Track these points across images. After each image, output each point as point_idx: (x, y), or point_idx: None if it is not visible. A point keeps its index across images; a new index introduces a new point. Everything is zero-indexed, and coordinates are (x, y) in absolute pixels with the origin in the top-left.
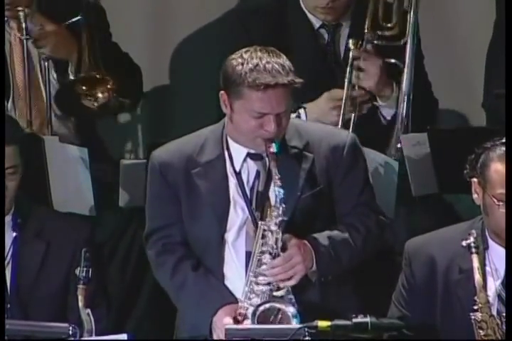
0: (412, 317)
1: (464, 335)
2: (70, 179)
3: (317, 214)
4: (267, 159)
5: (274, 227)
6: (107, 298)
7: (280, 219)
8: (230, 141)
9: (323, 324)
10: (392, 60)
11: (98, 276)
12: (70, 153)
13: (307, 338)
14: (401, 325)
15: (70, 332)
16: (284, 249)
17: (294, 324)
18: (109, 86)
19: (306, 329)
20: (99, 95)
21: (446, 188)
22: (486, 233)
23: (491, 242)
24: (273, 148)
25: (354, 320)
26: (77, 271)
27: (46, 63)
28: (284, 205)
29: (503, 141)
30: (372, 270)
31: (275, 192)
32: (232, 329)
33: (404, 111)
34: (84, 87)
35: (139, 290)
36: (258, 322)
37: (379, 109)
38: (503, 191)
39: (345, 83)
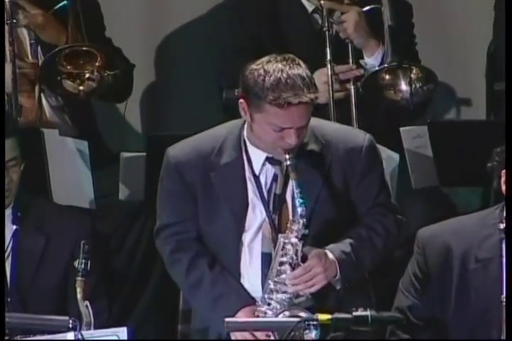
0: (422, 306)
1: (476, 324)
2: (70, 172)
3: (336, 216)
4: (285, 164)
5: (294, 240)
6: (109, 292)
7: (301, 232)
8: (249, 144)
9: (323, 317)
10: (368, 7)
11: (99, 269)
12: (70, 146)
13: (307, 331)
14: (401, 319)
15: (70, 325)
16: (304, 259)
17: (313, 336)
18: (97, 63)
19: (306, 322)
20: (87, 76)
21: (446, 181)
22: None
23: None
24: (293, 159)
25: (354, 313)
26: (75, 263)
27: (36, 46)
28: (305, 219)
29: None
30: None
31: (297, 205)
32: (232, 322)
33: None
34: (69, 66)
35: (144, 285)
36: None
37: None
38: None
39: (327, 56)
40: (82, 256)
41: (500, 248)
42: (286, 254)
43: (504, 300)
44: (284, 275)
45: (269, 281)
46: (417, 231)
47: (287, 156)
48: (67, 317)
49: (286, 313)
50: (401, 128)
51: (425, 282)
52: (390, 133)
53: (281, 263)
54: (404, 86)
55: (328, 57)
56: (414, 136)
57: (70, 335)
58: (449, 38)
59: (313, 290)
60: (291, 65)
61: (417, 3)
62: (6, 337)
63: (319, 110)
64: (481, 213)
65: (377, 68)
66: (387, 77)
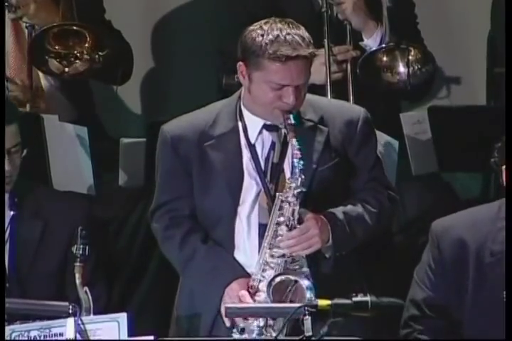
0: (437, 299)
1: (493, 317)
2: (70, 158)
3: (332, 187)
4: (283, 130)
5: (291, 199)
6: (108, 278)
7: (299, 190)
8: (246, 113)
9: (323, 303)
10: None
11: (98, 255)
12: (70, 131)
13: (307, 317)
14: (401, 304)
15: (70, 311)
16: (300, 221)
17: (309, 296)
18: (87, 44)
19: (306, 308)
20: (76, 56)
21: (446, 167)
22: None
23: None
24: (291, 120)
25: (354, 299)
26: (74, 249)
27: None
28: (303, 176)
29: None
30: (371, 248)
31: (294, 163)
32: (231, 307)
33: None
34: (57, 46)
35: (143, 271)
36: (273, 294)
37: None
38: None
39: (325, 37)
40: (80, 241)
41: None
42: (282, 214)
43: (505, 299)
44: (279, 238)
45: (265, 244)
46: (432, 224)
47: (286, 116)
48: (67, 303)
49: (282, 277)
50: (401, 114)
51: (440, 275)
52: (390, 119)
53: (278, 224)
54: (401, 68)
55: (326, 38)
56: (414, 122)
57: (70, 321)
58: (449, 23)
59: (307, 252)
60: (291, 26)
61: None
62: (6, 323)
63: (316, 92)
64: (493, 205)
65: (374, 48)
66: (384, 58)
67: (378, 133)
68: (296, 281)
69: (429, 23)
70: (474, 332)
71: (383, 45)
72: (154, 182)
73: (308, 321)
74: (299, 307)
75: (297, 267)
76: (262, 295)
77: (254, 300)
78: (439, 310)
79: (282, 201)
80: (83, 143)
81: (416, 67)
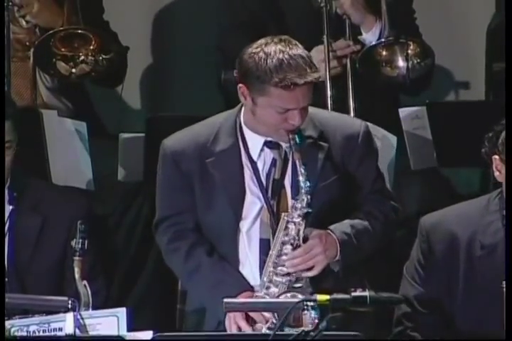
0: (428, 294)
1: (484, 310)
2: (69, 153)
3: (334, 203)
4: (284, 147)
5: (297, 219)
6: (107, 272)
7: (304, 211)
8: (246, 130)
9: (322, 298)
10: None
11: (97, 250)
12: (69, 127)
13: (306, 312)
14: (400, 299)
15: (69, 306)
16: (305, 240)
17: (313, 316)
18: (92, 47)
19: (305, 303)
20: (81, 59)
21: (445, 162)
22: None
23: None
24: (297, 140)
25: (353, 294)
26: (72, 243)
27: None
28: (309, 197)
29: None
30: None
31: (300, 183)
32: (230, 302)
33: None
34: (63, 49)
35: (142, 265)
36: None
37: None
38: None
39: (325, 32)
40: (78, 235)
41: (506, 234)
42: (287, 234)
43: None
44: (284, 257)
45: (269, 263)
46: (420, 219)
47: (291, 136)
48: (66, 298)
49: (283, 296)
50: (400, 110)
51: (430, 269)
52: (389, 114)
53: (283, 244)
54: (401, 62)
55: (325, 34)
56: (413, 117)
57: (69, 316)
58: (448, 17)
59: (314, 271)
60: (290, 46)
61: None
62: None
63: (315, 88)
64: (482, 199)
65: (373, 43)
66: (384, 52)
67: (377, 128)
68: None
69: (427, 17)
70: (466, 326)
71: (382, 40)
72: (153, 177)
73: (307, 316)
74: (298, 302)
75: (301, 285)
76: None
77: (254, 325)
78: (431, 306)
79: (288, 222)
80: (82, 138)
81: (415, 61)
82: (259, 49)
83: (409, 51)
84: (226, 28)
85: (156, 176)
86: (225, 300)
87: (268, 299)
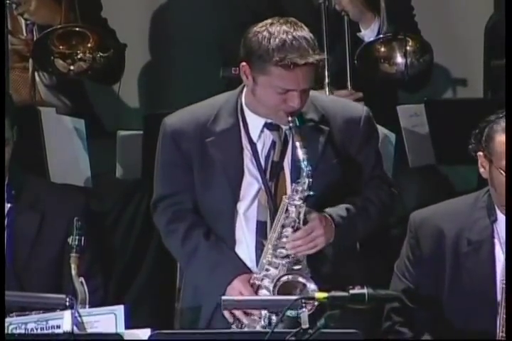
0: (417, 290)
1: (471, 306)
2: (67, 150)
3: (333, 187)
4: (284, 130)
5: (298, 202)
6: (104, 269)
7: (306, 193)
8: (247, 111)
9: (320, 295)
10: None
11: (94, 247)
12: (67, 124)
13: (303, 309)
14: (397, 296)
15: (67, 303)
16: (305, 222)
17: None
18: (89, 44)
19: (303, 300)
20: (79, 56)
21: (443, 159)
22: (495, 205)
23: (499, 214)
24: (297, 123)
25: (351, 292)
26: (69, 240)
27: (32, 26)
28: (310, 179)
29: None
30: (369, 240)
31: (301, 166)
32: (228, 300)
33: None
34: (61, 46)
35: (140, 263)
36: (278, 294)
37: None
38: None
39: (323, 27)
40: (75, 232)
41: (492, 230)
42: (288, 217)
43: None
44: (284, 239)
45: (269, 245)
46: (410, 215)
47: (290, 118)
48: (63, 296)
49: (285, 278)
50: (398, 107)
51: (418, 265)
52: (387, 111)
53: (283, 226)
54: (399, 58)
55: (324, 29)
56: (411, 115)
57: (67, 313)
58: (447, 15)
59: (313, 251)
60: (295, 27)
61: None
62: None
63: (314, 86)
64: (471, 196)
65: (371, 39)
66: (382, 49)
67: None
68: (303, 284)
69: (426, 14)
70: (455, 321)
71: (381, 36)
72: (151, 174)
73: (305, 313)
74: (296, 300)
75: (299, 267)
76: (264, 292)
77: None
78: (420, 301)
79: (289, 204)
80: (80, 136)
81: (414, 58)
82: (263, 28)
83: (408, 47)
84: (227, 28)
85: (156, 155)
86: (223, 297)
87: (265, 296)
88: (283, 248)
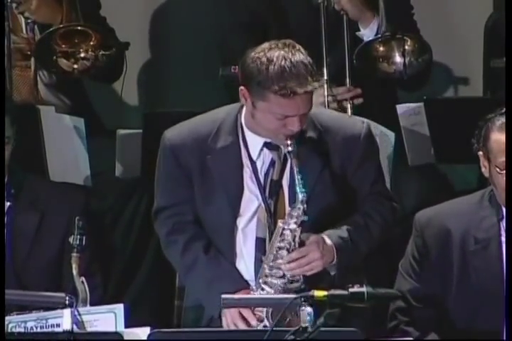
0: (422, 289)
1: (478, 305)
2: (66, 149)
3: (332, 208)
4: (283, 149)
5: (293, 226)
6: (104, 268)
7: (301, 219)
8: (247, 131)
9: (319, 294)
10: None
11: (94, 246)
12: (67, 123)
13: (303, 308)
14: (397, 295)
15: (67, 302)
16: (302, 245)
17: (307, 321)
18: (92, 42)
19: (302, 299)
20: (82, 55)
21: (442, 158)
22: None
23: (505, 212)
24: (295, 147)
25: (351, 290)
26: (70, 239)
27: (33, 24)
28: (305, 205)
29: (502, 111)
30: None
31: (297, 191)
32: (228, 298)
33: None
34: (64, 45)
35: (139, 262)
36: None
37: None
38: (504, 159)
39: (322, 26)
40: (76, 232)
41: (499, 228)
42: (283, 240)
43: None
44: (280, 260)
45: (265, 265)
46: (415, 215)
47: (289, 142)
48: (63, 294)
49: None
50: (397, 106)
51: (425, 265)
52: (387, 110)
53: (279, 248)
54: (398, 58)
55: (323, 28)
56: (411, 114)
57: (67, 312)
58: (446, 14)
59: (309, 273)
60: (293, 52)
61: None
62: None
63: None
64: (476, 195)
65: (370, 38)
66: (381, 48)
67: (375, 124)
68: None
69: (425, 14)
70: (461, 320)
71: (379, 35)
72: (151, 173)
73: (304, 312)
74: (295, 298)
75: (296, 286)
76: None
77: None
78: (426, 300)
79: (284, 229)
80: (80, 135)
81: (412, 57)
82: (262, 53)
83: (407, 47)
84: (226, 28)
85: (156, 166)
86: (223, 296)
87: (265, 295)
88: (279, 268)
